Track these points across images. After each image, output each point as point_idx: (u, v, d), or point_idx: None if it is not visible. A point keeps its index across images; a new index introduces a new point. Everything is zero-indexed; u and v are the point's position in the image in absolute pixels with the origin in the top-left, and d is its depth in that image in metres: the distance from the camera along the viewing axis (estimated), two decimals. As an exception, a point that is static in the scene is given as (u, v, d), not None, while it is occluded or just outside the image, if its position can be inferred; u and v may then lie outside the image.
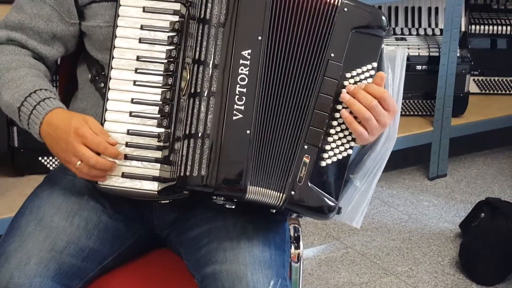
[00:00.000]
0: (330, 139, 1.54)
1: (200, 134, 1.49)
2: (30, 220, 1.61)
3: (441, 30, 3.34)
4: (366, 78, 1.54)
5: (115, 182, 1.57)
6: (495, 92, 3.61)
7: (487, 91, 3.60)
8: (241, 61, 1.50)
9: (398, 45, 3.23)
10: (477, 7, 3.58)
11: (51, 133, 1.57)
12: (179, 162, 1.50)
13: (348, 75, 1.53)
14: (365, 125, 1.52)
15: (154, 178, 1.56)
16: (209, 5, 1.50)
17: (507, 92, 3.61)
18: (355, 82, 1.54)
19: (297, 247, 1.76)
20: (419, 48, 3.28)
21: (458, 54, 3.24)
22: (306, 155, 1.52)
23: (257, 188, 1.52)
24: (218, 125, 1.49)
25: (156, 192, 1.56)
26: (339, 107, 1.53)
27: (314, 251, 2.86)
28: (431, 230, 3.00)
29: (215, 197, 1.51)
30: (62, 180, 1.69)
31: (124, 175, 1.57)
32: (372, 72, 1.54)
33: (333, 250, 2.87)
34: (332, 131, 1.54)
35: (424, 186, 3.33)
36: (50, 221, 1.60)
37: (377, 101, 1.51)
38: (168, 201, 1.59)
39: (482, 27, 3.51)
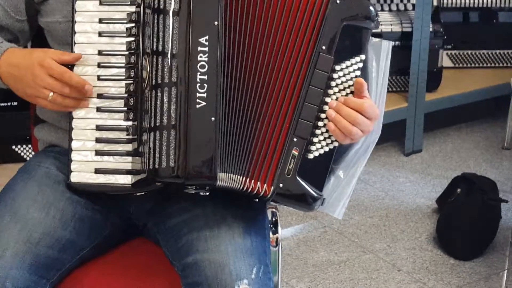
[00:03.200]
0: (318, 131, 1.54)
1: (165, 125, 1.48)
2: (5, 213, 1.59)
3: (413, 5, 3.33)
4: (354, 71, 1.54)
5: (89, 178, 1.57)
6: (468, 65, 3.62)
7: (460, 65, 3.61)
8: (199, 48, 1.48)
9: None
10: (448, -20, 3.59)
11: (15, 73, 1.56)
12: (148, 155, 1.50)
13: (337, 67, 1.53)
14: (350, 137, 1.53)
15: (127, 172, 1.56)
16: None
17: (480, 65, 3.62)
18: (344, 75, 1.53)
19: (275, 232, 1.76)
20: (391, 24, 3.28)
21: (430, 29, 3.24)
22: (295, 147, 1.52)
23: (230, 175, 1.52)
24: (182, 115, 1.48)
25: (130, 185, 1.56)
26: (327, 99, 1.53)
27: (292, 231, 2.87)
28: (408, 207, 3.02)
29: (187, 187, 1.51)
30: (36, 172, 1.67)
31: (97, 171, 1.57)
32: (361, 65, 1.54)
33: (311, 229, 2.87)
34: (320, 123, 1.54)
35: (400, 162, 3.34)
36: (25, 212, 1.58)
37: (360, 114, 1.51)
38: (143, 193, 1.58)
39: (454, 0, 3.51)
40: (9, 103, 2.72)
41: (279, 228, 1.78)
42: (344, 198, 1.61)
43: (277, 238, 1.76)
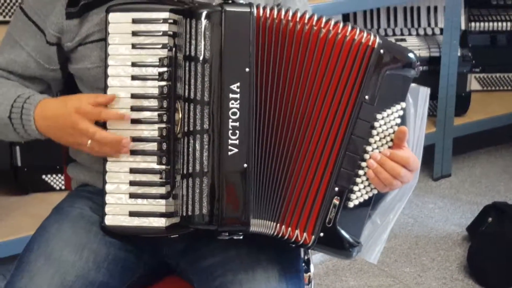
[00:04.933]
0: (358, 180, 1.53)
1: (197, 173, 1.49)
2: (39, 255, 1.60)
3: (441, 29, 3.32)
4: (395, 119, 1.53)
5: (123, 221, 1.58)
6: (497, 88, 3.59)
7: (489, 88, 3.59)
8: (230, 95, 1.49)
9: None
10: (476, 3, 3.56)
11: (52, 125, 1.59)
12: (181, 202, 1.51)
13: (379, 116, 1.52)
14: (389, 187, 1.53)
15: (161, 214, 1.56)
16: (193, 41, 1.50)
17: (509, 88, 3.60)
18: (385, 123, 1.52)
19: (308, 270, 1.76)
20: (419, 49, 3.26)
21: (459, 54, 3.23)
22: (336, 196, 1.52)
23: (263, 221, 1.53)
24: (214, 162, 1.49)
25: (164, 228, 1.56)
26: (368, 148, 1.52)
27: (321, 258, 2.85)
28: (438, 234, 3.00)
29: (220, 234, 1.52)
30: (70, 213, 1.68)
31: (131, 214, 1.58)
32: (401, 113, 1.53)
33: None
34: (360, 172, 1.53)
35: (428, 187, 3.32)
36: (59, 255, 1.59)
37: (404, 168, 1.51)
38: (177, 235, 1.59)
39: (481, 24, 3.49)
40: (39, 133, 2.73)
41: (312, 266, 1.78)
42: (380, 244, 1.60)
43: (309, 276, 1.76)
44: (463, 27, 3.34)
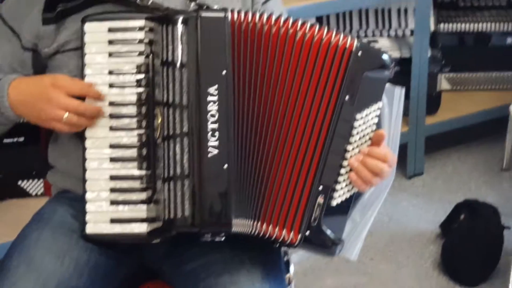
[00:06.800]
0: (341, 178, 1.56)
1: (178, 176, 1.51)
2: (20, 262, 1.61)
3: (411, 31, 3.36)
4: (373, 118, 1.56)
5: (104, 229, 1.59)
6: (466, 88, 3.64)
7: (458, 88, 3.64)
8: (208, 98, 1.51)
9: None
10: (444, 5, 3.61)
11: (26, 99, 1.59)
12: (163, 205, 1.52)
13: (358, 116, 1.55)
14: (370, 185, 1.56)
15: (142, 220, 1.58)
16: (170, 47, 1.52)
17: (477, 87, 3.65)
18: (364, 123, 1.55)
19: (287, 271, 1.78)
20: (390, 50, 3.30)
21: (429, 54, 3.28)
22: (321, 195, 1.54)
23: (246, 220, 1.54)
24: (194, 165, 1.51)
25: (146, 233, 1.58)
26: (349, 147, 1.55)
27: (299, 259, 2.88)
28: (412, 231, 3.04)
29: (203, 236, 1.53)
30: (51, 220, 1.69)
31: (112, 221, 1.59)
32: (378, 112, 1.57)
33: (318, 257, 2.87)
34: (342, 170, 1.56)
35: (402, 185, 3.36)
36: (40, 262, 1.60)
37: (384, 164, 1.54)
38: (158, 240, 1.60)
39: (450, 25, 3.54)
40: (15, 139, 2.73)
41: (292, 267, 1.80)
42: (360, 241, 1.63)
43: (289, 277, 1.78)
44: (432, 29, 3.38)
